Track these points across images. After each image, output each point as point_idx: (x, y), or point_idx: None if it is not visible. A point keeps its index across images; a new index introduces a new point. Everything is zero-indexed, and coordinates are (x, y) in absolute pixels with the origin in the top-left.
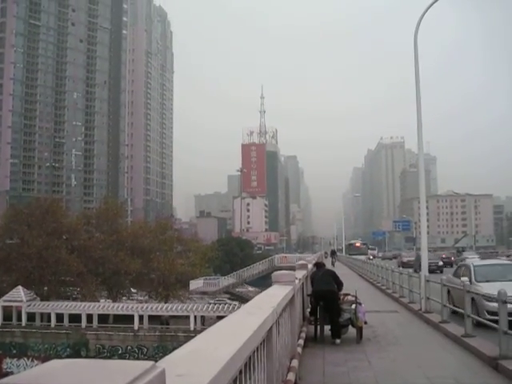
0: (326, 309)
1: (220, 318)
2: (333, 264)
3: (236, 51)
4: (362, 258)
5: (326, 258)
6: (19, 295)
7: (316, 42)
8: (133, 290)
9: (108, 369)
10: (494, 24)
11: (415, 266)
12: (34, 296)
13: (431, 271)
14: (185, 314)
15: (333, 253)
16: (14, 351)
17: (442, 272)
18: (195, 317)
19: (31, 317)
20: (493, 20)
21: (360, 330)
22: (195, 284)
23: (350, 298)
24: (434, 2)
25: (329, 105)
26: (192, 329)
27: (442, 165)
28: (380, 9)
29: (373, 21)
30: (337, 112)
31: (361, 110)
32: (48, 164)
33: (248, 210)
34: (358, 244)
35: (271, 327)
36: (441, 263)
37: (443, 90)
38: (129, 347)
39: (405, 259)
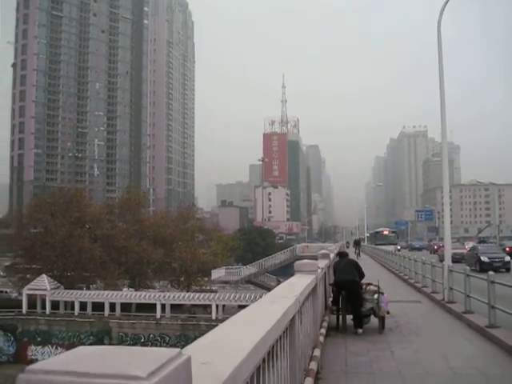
0: (348, 298)
1: (242, 307)
2: (357, 255)
3: (258, 39)
4: (391, 248)
5: (348, 247)
6: (43, 283)
7: (339, 24)
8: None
9: (135, 355)
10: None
11: (469, 261)
12: (58, 284)
13: (495, 269)
14: (207, 302)
15: (356, 243)
16: (39, 339)
17: (509, 270)
18: (217, 306)
19: (55, 305)
20: None
21: (382, 320)
22: (217, 273)
23: (372, 287)
24: None
25: (352, 89)
26: (214, 318)
27: (465, 153)
28: None
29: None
30: (359, 96)
31: (383, 95)
32: (71, 154)
33: (270, 200)
34: (385, 232)
35: (294, 316)
36: (508, 258)
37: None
38: (151, 335)
39: (486, 256)
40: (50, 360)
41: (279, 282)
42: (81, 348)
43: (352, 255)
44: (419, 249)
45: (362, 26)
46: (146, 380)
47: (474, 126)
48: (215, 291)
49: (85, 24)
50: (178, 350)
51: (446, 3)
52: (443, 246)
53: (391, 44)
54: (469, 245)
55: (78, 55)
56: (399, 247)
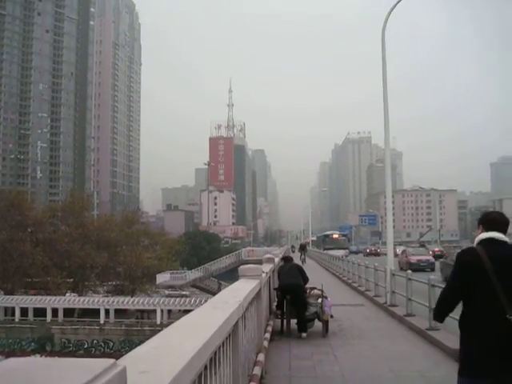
0: (292, 303)
1: (186, 311)
2: (303, 261)
3: (208, 42)
4: (341, 253)
5: (293, 252)
6: None
7: (290, 38)
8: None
9: (67, 367)
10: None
11: (401, 263)
12: None
13: (420, 269)
14: (151, 307)
15: (302, 247)
16: None
17: (433, 270)
18: (162, 311)
19: None
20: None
21: (326, 324)
22: (162, 277)
23: (316, 291)
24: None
25: (298, 102)
26: (158, 323)
27: (407, 160)
28: (356, 8)
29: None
30: (305, 110)
31: (330, 110)
32: (13, 156)
33: (215, 204)
34: (335, 235)
35: (237, 321)
36: (432, 260)
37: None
38: (95, 341)
39: (414, 258)
40: None
41: (220, 285)
42: (11, 360)
43: (297, 260)
44: (356, 252)
45: (313, 36)
46: None
47: (416, 131)
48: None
49: (29, 23)
50: (112, 360)
51: (390, 12)
52: (375, 250)
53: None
54: (418, 250)
55: (22, 55)
56: (347, 252)
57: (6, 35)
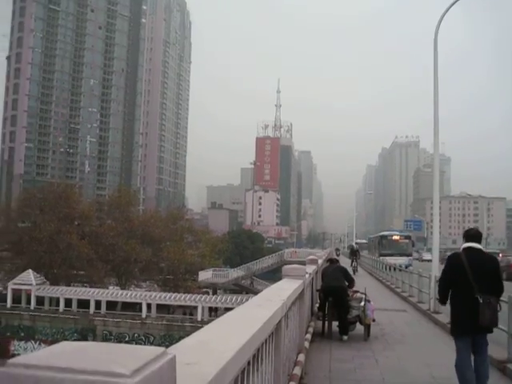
0: (334, 305)
1: (228, 309)
2: (354, 270)
3: (254, 43)
4: (402, 261)
5: (338, 256)
6: (29, 279)
7: (336, 33)
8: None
9: (119, 352)
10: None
11: None
12: (44, 280)
13: None
14: (193, 304)
15: (353, 252)
16: (22, 334)
17: None
18: (203, 307)
19: (40, 300)
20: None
21: (368, 328)
22: (204, 275)
23: (359, 295)
24: (454, 2)
25: (345, 100)
26: (199, 319)
27: (455, 166)
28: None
29: (393, 12)
30: (353, 107)
31: (376, 107)
32: (62, 149)
33: (260, 204)
34: (396, 237)
35: (280, 320)
36: None
37: (454, 89)
38: (136, 335)
39: None
40: (33, 354)
41: (252, 282)
42: (65, 343)
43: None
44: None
45: (362, 38)
46: (130, 378)
47: (469, 143)
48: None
49: (82, 19)
50: (162, 348)
51: (441, 20)
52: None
53: (388, 57)
54: None
55: (74, 50)
56: (410, 260)
57: (60, 31)
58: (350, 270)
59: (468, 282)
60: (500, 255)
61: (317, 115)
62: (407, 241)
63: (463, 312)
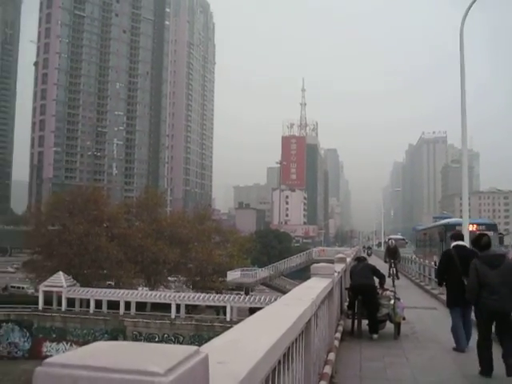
0: (364, 303)
1: (256, 309)
2: (394, 276)
3: (277, 42)
4: None
5: (369, 255)
6: (60, 280)
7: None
8: (171, 279)
9: (152, 351)
10: None
11: None
12: (74, 282)
13: None
14: (221, 304)
15: (391, 252)
16: (54, 335)
17: None
18: (231, 307)
19: (71, 302)
20: None
21: (398, 326)
22: (232, 275)
23: (388, 292)
24: None
25: (371, 93)
26: (228, 319)
27: (484, 162)
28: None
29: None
30: (379, 100)
31: (402, 98)
32: (90, 153)
33: (287, 203)
34: (473, 227)
35: (310, 319)
36: None
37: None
38: (165, 335)
39: None
40: (68, 354)
41: (272, 280)
42: (98, 343)
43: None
44: None
45: (383, 28)
46: (164, 376)
47: (498, 139)
48: None
49: (107, 24)
50: (195, 347)
51: (469, 8)
52: None
53: (410, 49)
54: None
55: (100, 55)
56: None
57: (86, 36)
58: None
59: (456, 269)
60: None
61: (341, 111)
62: (491, 233)
63: (454, 290)
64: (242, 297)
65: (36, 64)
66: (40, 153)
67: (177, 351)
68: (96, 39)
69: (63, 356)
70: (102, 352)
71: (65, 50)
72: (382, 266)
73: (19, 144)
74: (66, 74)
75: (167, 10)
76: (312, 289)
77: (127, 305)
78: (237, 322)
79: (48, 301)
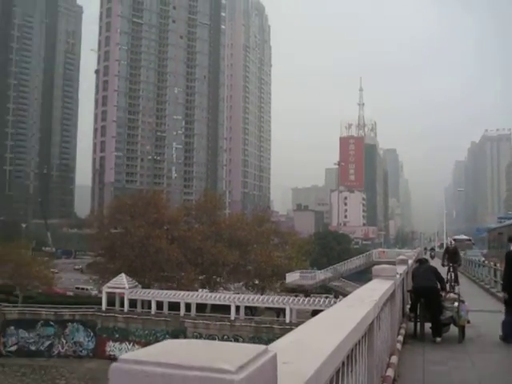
0: (426, 306)
1: (318, 311)
2: (453, 281)
3: (333, 41)
4: None
5: (432, 258)
6: (122, 282)
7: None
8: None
9: (223, 349)
10: None
11: None
12: (136, 283)
13: None
14: (280, 306)
15: (451, 255)
16: (117, 335)
17: None
18: (291, 309)
19: (133, 303)
20: None
21: (462, 329)
22: (291, 277)
23: (452, 295)
24: None
25: (428, 93)
26: (288, 321)
27: None
28: None
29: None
30: (436, 99)
31: (460, 97)
32: (150, 157)
33: (345, 204)
34: None
35: (372, 321)
36: None
37: None
38: (225, 336)
39: None
40: (141, 351)
41: (331, 282)
42: (169, 341)
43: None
44: None
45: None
46: (236, 374)
47: None
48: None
49: (164, 30)
50: (264, 346)
51: None
52: None
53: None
54: None
55: (158, 61)
56: None
57: (144, 43)
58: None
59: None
60: None
61: (399, 111)
62: None
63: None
64: (302, 299)
65: (97, 72)
66: (102, 158)
67: (247, 350)
68: (154, 45)
69: (137, 353)
70: (175, 350)
71: (124, 57)
72: (441, 270)
73: (82, 150)
74: (126, 81)
75: (223, 14)
76: (374, 290)
77: (187, 306)
78: (296, 324)
79: (111, 302)
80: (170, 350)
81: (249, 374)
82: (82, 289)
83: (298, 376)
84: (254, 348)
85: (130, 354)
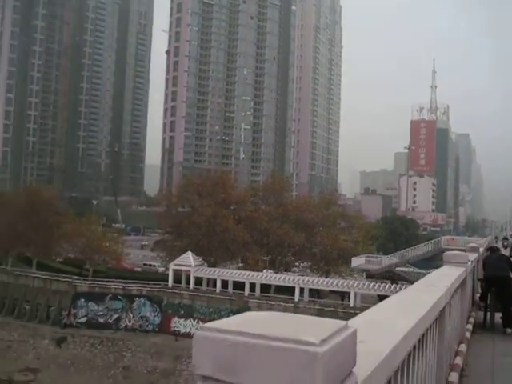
0: (497, 295)
1: (384, 297)
2: None
3: (405, 24)
4: None
5: (505, 247)
6: (188, 260)
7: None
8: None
9: (306, 322)
10: None
11: None
12: (202, 262)
13: None
14: (345, 290)
15: None
16: (182, 312)
17: None
18: (355, 294)
19: (198, 281)
20: None
21: None
22: (357, 261)
23: None
24: None
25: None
26: (352, 305)
27: None
28: None
29: None
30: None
31: None
32: (218, 137)
33: (414, 189)
34: None
35: (444, 307)
36: None
37: None
38: None
39: None
40: (222, 321)
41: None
42: (251, 313)
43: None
44: None
45: None
46: (319, 346)
47: None
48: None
49: (234, 11)
50: (345, 322)
51: None
52: None
53: None
54: None
55: (228, 41)
56: None
57: (214, 23)
58: None
59: None
60: None
61: (473, 95)
62: None
63: None
64: (367, 283)
65: (168, 52)
66: (171, 137)
67: (328, 324)
68: (224, 26)
69: (219, 322)
70: (258, 320)
71: (195, 38)
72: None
73: (152, 129)
74: (196, 62)
75: None
76: (446, 276)
77: (252, 286)
78: (361, 309)
79: (177, 279)
80: (253, 321)
81: (331, 347)
82: (150, 265)
83: (374, 354)
84: (336, 323)
85: (212, 323)
